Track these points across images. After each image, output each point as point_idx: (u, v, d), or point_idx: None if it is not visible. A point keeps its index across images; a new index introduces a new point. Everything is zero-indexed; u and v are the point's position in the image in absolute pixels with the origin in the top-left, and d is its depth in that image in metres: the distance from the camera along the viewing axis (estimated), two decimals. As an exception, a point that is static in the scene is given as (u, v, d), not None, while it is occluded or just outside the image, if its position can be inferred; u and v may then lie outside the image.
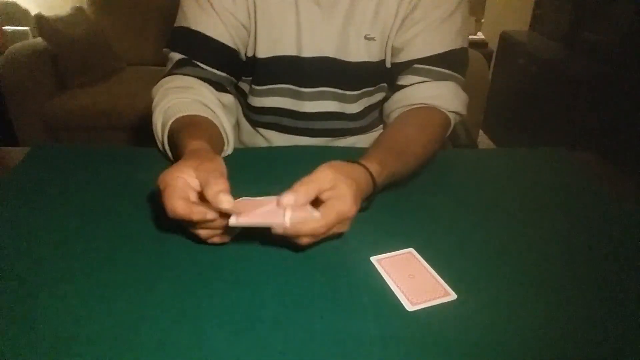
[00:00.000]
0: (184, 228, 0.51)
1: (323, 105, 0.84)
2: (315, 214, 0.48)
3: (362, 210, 0.57)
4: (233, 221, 0.45)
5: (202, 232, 0.50)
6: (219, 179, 0.47)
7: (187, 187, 0.48)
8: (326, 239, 0.52)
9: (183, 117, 0.67)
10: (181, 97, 0.70)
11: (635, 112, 1.64)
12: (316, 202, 0.50)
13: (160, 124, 0.70)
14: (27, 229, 0.56)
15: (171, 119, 0.67)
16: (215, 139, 0.67)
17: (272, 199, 0.50)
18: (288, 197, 0.47)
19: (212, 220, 0.47)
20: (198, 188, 0.49)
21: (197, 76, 0.74)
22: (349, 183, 0.50)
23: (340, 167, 0.52)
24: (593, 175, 0.75)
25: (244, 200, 0.51)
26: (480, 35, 2.66)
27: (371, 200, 0.58)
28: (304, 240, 0.49)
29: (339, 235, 0.53)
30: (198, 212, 0.46)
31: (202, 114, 0.69)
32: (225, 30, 0.75)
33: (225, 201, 0.45)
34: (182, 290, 0.47)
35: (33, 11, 2.41)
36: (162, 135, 0.69)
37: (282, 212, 0.47)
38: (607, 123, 1.76)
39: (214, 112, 0.72)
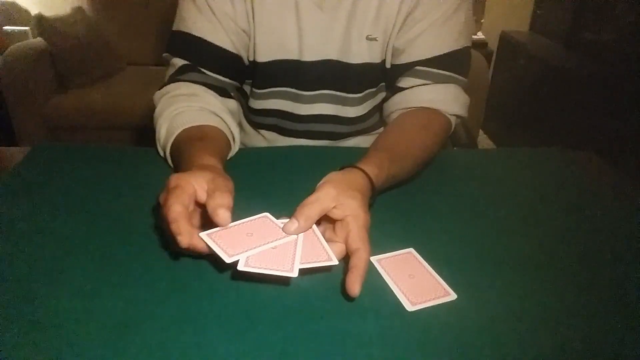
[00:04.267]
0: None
1: (319, 108, 0.84)
2: (324, 243, 0.48)
3: None
4: (241, 267, 0.43)
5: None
6: (224, 193, 0.47)
7: (191, 195, 0.48)
8: None
9: (191, 127, 0.67)
10: (188, 106, 0.70)
11: (635, 112, 1.64)
12: (321, 220, 0.51)
13: (165, 130, 0.69)
14: (27, 229, 0.56)
15: (178, 128, 0.67)
16: (224, 150, 0.68)
17: (260, 221, 0.50)
18: (291, 224, 0.48)
19: (179, 245, 0.45)
20: (202, 199, 0.49)
21: (201, 82, 0.73)
22: (353, 195, 0.51)
23: (340, 181, 0.52)
24: (593, 175, 0.75)
25: (232, 228, 0.48)
26: (480, 35, 2.65)
27: (370, 204, 0.58)
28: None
29: None
30: (177, 227, 0.44)
31: (210, 123, 0.69)
32: (227, 36, 0.74)
33: (222, 216, 0.45)
34: (182, 290, 0.47)
35: (33, 11, 2.41)
36: (166, 143, 0.68)
37: (290, 258, 0.45)
38: (607, 123, 1.76)
39: (222, 119, 0.72)
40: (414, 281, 0.49)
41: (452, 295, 0.47)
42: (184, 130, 0.66)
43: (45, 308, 0.44)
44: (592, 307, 0.47)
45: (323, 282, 0.49)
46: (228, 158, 0.73)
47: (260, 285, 0.48)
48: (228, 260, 0.44)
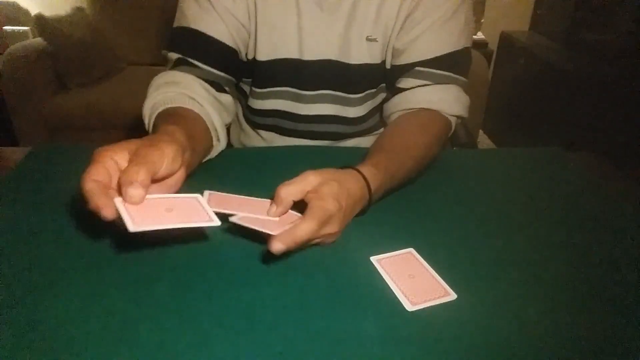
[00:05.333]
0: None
1: (321, 108, 0.84)
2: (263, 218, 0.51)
3: (359, 214, 0.57)
4: (235, 219, 0.46)
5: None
6: (139, 167, 0.44)
7: (111, 169, 0.45)
8: (320, 244, 0.53)
9: (164, 109, 0.66)
10: (167, 92, 0.69)
11: (635, 112, 1.64)
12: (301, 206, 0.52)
13: (147, 119, 0.68)
14: (27, 229, 0.56)
15: (155, 112, 0.66)
16: (192, 126, 0.63)
17: (246, 199, 0.54)
18: (270, 207, 0.51)
19: (105, 219, 0.42)
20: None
21: (195, 75, 0.73)
22: (330, 184, 0.51)
23: (326, 172, 0.53)
24: (593, 175, 0.75)
25: (217, 195, 0.53)
26: (480, 35, 2.65)
27: (367, 205, 0.58)
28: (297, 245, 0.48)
29: (331, 239, 0.53)
30: (94, 203, 0.42)
31: (186, 106, 0.67)
32: (226, 30, 0.74)
33: (130, 193, 0.42)
34: (182, 290, 0.47)
35: (33, 11, 2.41)
36: (148, 127, 0.68)
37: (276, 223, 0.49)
38: (607, 123, 1.76)
39: (201, 105, 0.69)
40: (414, 281, 0.49)
41: (452, 295, 0.47)
42: (157, 115, 0.65)
43: (45, 308, 0.44)
44: (592, 307, 0.47)
45: (323, 281, 0.49)
46: (215, 154, 0.72)
47: (261, 285, 0.48)
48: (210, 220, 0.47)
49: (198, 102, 0.69)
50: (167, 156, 0.47)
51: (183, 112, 0.66)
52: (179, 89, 0.69)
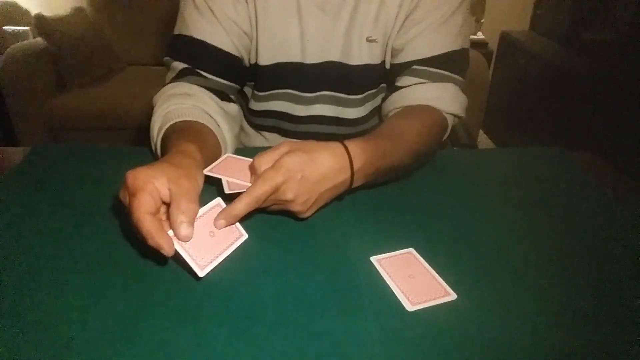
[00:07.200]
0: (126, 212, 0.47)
1: (319, 110, 0.84)
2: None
3: (346, 189, 0.57)
4: (201, 273, 0.45)
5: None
6: (190, 204, 0.46)
7: (156, 197, 0.46)
8: (292, 212, 0.54)
9: (181, 122, 0.65)
10: (181, 103, 0.68)
11: (635, 112, 1.64)
12: None
13: (157, 127, 0.68)
14: (27, 228, 0.56)
15: (168, 122, 0.65)
16: (210, 146, 0.65)
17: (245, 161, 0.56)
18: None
19: (166, 256, 0.45)
20: (165, 198, 0.47)
21: (201, 85, 0.72)
22: (295, 153, 0.52)
23: (300, 142, 0.55)
24: (593, 175, 0.75)
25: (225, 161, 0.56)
26: (480, 35, 2.65)
27: (350, 179, 0.56)
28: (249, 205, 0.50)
29: (300, 207, 0.53)
30: (154, 242, 0.44)
31: (201, 121, 0.67)
32: (228, 38, 0.74)
33: (184, 233, 0.45)
34: (182, 290, 0.47)
35: (33, 11, 2.41)
36: (157, 138, 0.67)
37: (236, 229, 0.50)
38: (607, 123, 1.76)
39: (215, 120, 0.70)
40: (414, 281, 0.49)
41: (452, 295, 0.47)
42: (171, 125, 0.65)
43: (45, 308, 0.44)
44: (591, 307, 0.47)
45: (323, 282, 0.49)
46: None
47: (260, 285, 0.48)
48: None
49: (211, 117, 0.70)
50: (200, 185, 0.50)
51: (199, 127, 0.66)
52: (192, 102, 0.69)
